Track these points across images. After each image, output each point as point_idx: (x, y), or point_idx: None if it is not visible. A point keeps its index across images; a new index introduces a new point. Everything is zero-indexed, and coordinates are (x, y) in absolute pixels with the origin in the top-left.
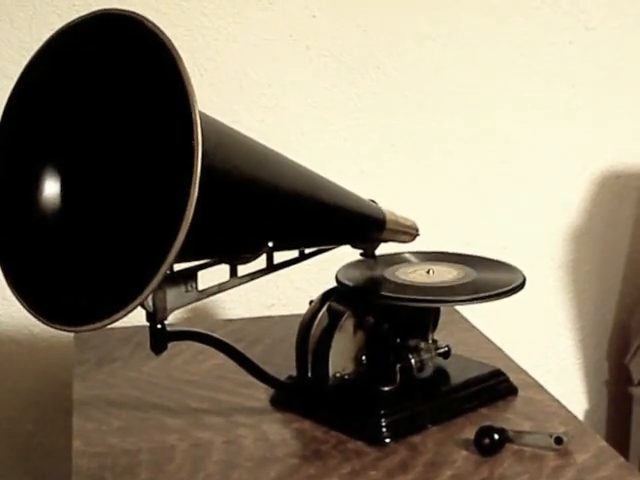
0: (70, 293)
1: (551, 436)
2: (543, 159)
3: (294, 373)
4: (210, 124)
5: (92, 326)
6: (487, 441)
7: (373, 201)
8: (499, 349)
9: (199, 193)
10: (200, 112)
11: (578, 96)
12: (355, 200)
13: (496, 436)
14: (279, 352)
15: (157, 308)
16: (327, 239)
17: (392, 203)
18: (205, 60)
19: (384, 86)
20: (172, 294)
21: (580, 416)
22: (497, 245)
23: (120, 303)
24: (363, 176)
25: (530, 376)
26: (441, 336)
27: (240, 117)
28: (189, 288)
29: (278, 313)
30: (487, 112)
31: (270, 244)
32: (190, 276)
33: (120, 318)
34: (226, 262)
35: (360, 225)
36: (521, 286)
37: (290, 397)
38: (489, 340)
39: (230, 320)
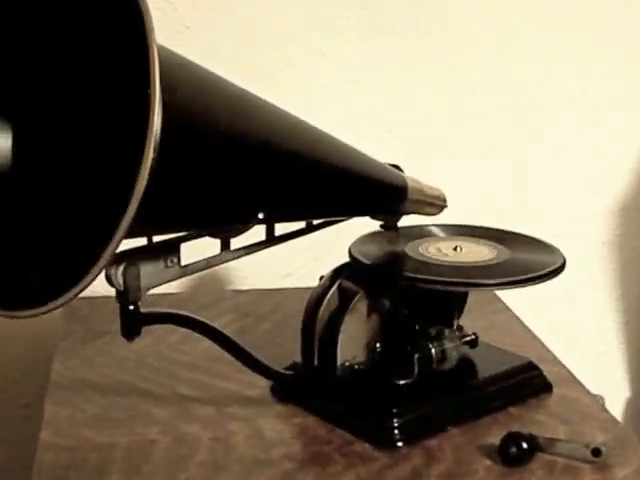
0: (19, 271)
1: (588, 446)
2: (586, 125)
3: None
4: (178, 65)
5: (35, 311)
6: (514, 450)
7: (395, 167)
8: (534, 335)
9: (161, 150)
10: (166, 51)
11: (628, 60)
12: (371, 164)
13: (524, 445)
14: (288, 331)
15: (129, 286)
16: (334, 210)
17: (418, 169)
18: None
19: (416, 36)
20: (148, 270)
21: (621, 405)
22: (534, 219)
23: (70, 282)
24: (388, 137)
25: (567, 369)
26: (469, 318)
27: (242, 68)
28: (169, 263)
29: (294, 284)
30: (527, 75)
31: (260, 215)
32: (171, 249)
33: (67, 301)
34: (210, 235)
35: (376, 194)
36: (560, 269)
37: (293, 387)
38: (523, 324)
39: (239, 291)
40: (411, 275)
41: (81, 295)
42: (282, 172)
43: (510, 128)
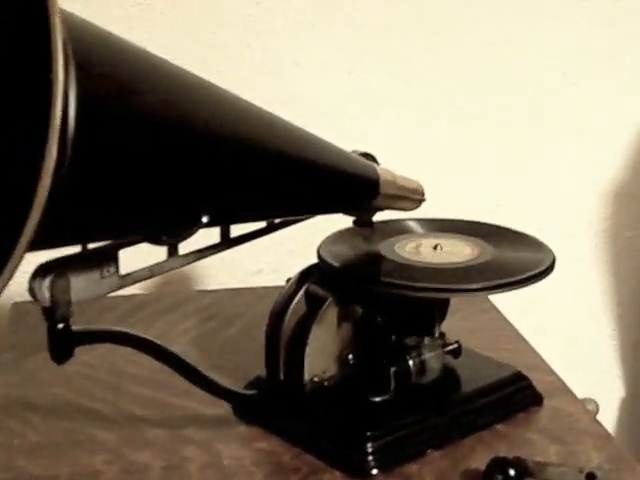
0: None
1: (581, 471)
2: (580, 105)
3: None
4: (93, 37)
5: None
6: (500, 478)
7: (368, 155)
8: (521, 337)
9: (75, 143)
10: (74, 18)
11: (621, 42)
12: (336, 154)
13: (512, 471)
14: (254, 337)
15: (57, 301)
16: (294, 209)
17: (393, 158)
18: None
19: (400, 13)
20: (80, 282)
21: (615, 404)
22: (523, 207)
23: None
24: (366, 120)
25: (557, 376)
26: (452, 320)
27: (221, 41)
28: (105, 273)
29: (266, 281)
30: (516, 63)
31: (205, 219)
32: (108, 257)
33: None
34: (148, 241)
35: (343, 189)
36: (550, 269)
37: (257, 406)
38: (510, 324)
39: (205, 291)
40: (386, 280)
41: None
42: (230, 165)
43: (496, 113)
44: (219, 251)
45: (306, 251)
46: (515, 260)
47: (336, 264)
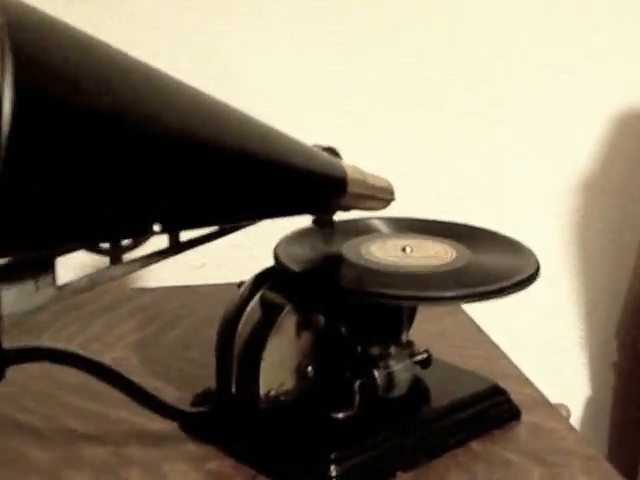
0: None
1: None
2: (547, 97)
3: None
4: (38, 23)
5: None
6: None
7: (331, 150)
8: (493, 343)
9: (9, 141)
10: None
11: (586, 32)
12: (297, 148)
13: None
14: (201, 341)
15: None
16: (252, 212)
17: (359, 153)
18: None
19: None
20: (11, 294)
21: (582, 403)
22: (486, 198)
23: None
24: (321, 109)
25: (536, 389)
26: (416, 323)
27: (159, 21)
28: (41, 285)
29: (210, 276)
30: (483, 59)
31: (157, 227)
32: (43, 267)
33: None
34: (89, 250)
35: (305, 188)
36: (533, 276)
37: (207, 421)
38: (477, 327)
39: (144, 289)
40: (351, 286)
41: None
42: (184, 166)
43: (458, 104)
44: (168, 257)
45: (252, 245)
46: (494, 266)
47: (295, 268)
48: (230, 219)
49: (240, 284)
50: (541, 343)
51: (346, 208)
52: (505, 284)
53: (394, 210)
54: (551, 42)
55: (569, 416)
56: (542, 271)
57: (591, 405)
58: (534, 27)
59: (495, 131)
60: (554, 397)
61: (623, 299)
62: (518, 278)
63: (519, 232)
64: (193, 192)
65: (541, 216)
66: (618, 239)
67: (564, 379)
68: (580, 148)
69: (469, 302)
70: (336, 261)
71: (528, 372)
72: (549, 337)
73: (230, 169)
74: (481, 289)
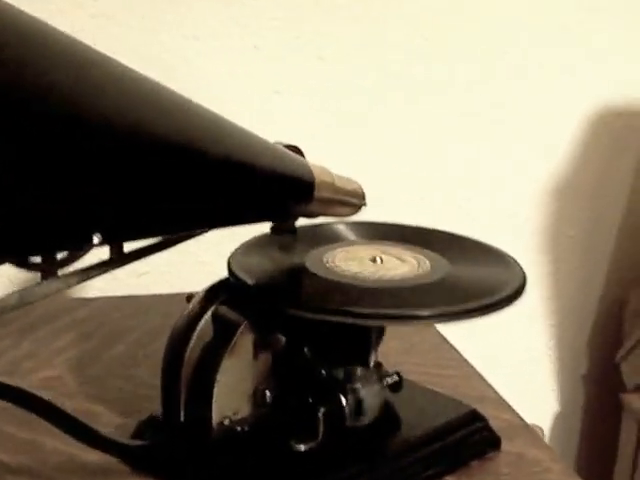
0: None
1: None
2: (517, 96)
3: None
4: None
5: None
6: None
7: (294, 149)
8: (465, 361)
9: None
10: None
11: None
12: (257, 146)
13: None
14: (147, 358)
15: None
16: (203, 218)
17: (324, 152)
18: None
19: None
20: None
21: (550, 418)
22: (454, 200)
23: None
24: (280, 106)
25: (516, 413)
26: (384, 341)
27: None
28: None
29: (152, 287)
30: (461, 57)
31: (97, 239)
32: None
33: None
34: (17, 265)
35: (266, 191)
36: (518, 292)
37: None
38: (449, 344)
39: (83, 299)
40: (311, 303)
41: None
42: (119, 164)
43: (436, 106)
44: (110, 269)
45: (200, 251)
46: (475, 279)
47: (250, 281)
48: (179, 228)
49: (189, 297)
50: (509, 354)
51: (312, 214)
52: (487, 301)
53: (362, 214)
54: (524, 43)
55: (543, 437)
56: None
57: (560, 418)
58: (512, 28)
59: (463, 131)
60: (523, 411)
61: (595, 308)
62: (503, 294)
63: (485, 236)
64: (136, 197)
65: (509, 219)
66: (591, 244)
67: (533, 391)
68: (551, 148)
69: (446, 322)
70: (297, 273)
71: (495, 385)
72: (517, 347)
73: (175, 168)
74: (460, 307)
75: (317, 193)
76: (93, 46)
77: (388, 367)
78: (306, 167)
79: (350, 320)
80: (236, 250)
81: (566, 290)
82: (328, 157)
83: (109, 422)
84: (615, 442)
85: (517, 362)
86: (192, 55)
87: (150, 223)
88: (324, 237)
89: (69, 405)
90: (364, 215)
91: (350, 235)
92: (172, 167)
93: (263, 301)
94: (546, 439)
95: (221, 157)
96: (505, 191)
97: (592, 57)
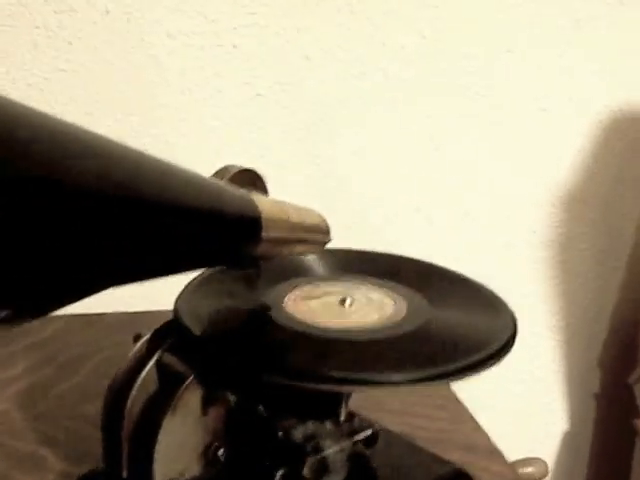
0: None
1: None
2: (525, 96)
3: None
4: None
5: None
6: None
7: (250, 173)
8: (456, 400)
9: None
10: None
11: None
12: (178, 179)
13: None
14: (104, 391)
15: None
16: (122, 277)
17: (285, 178)
18: None
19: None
20: None
21: (559, 437)
22: (457, 213)
23: None
24: (255, 111)
25: (506, 463)
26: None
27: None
28: None
29: (117, 303)
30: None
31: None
32: None
33: None
34: None
35: (196, 237)
36: (507, 346)
37: None
38: None
39: (44, 319)
40: (266, 364)
41: None
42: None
43: (435, 115)
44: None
45: None
46: (458, 327)
47: (199, 331)
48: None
49: (137, 337)
50: (516, 371)
51: (265, 257)
52: (465, 363)
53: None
54: (535, 43)
55: (547, 473)
56: (515, 292)
57: (570, 438)
58: (521, 27)
59: (466, 136)
60: (532, 430)
61: (607, 325)
62: (488, 350)
63: (490, 249)
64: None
65: (516, 231)
66: (602, 257)
67: (542, 410)
68: (561, 155)
69: (423, 385)
70: (254, 320)
71: (501, 405)
72: (524, 367)
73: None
74: (436, 370)
75: (266, 233)
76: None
77: (367, 409)
78: (249, 204)
79: (309, 386)
80: (186, 287)
81: (576, 306)
82: (325, 161)
83: (53, 468)
84: (627, 464)
85: (525, 379)
86: (163, 55)
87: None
88: (288, 270)
89: (14, 446)
90: (364, 217)
91: (319, 266)
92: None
93: (210, 356)
94: (554, 460)
95: (127, 191)
96: (511, 201)
97: (605, 60)
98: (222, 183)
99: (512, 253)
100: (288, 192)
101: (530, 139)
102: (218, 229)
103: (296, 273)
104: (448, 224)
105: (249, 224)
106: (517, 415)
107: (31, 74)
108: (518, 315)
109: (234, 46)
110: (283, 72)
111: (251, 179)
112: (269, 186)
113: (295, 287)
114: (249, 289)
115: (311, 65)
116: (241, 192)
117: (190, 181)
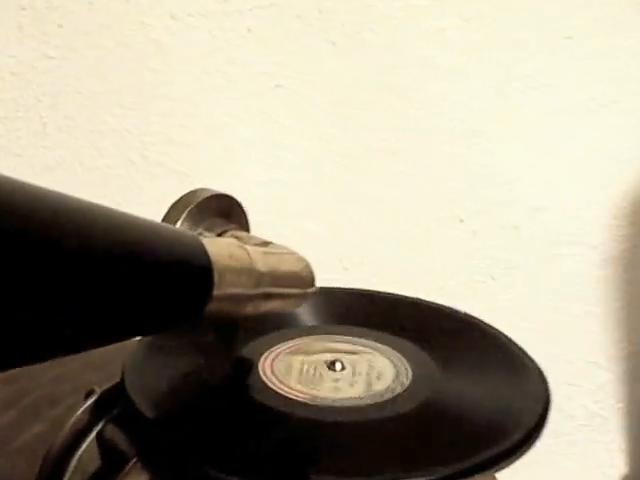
0: None
1: None
2: (585, 91)
3: None
4: None
5: None
6: None
7: (227, 200)
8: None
9: None
10: None
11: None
12: (103, 222)
13: None
14: None
15: None
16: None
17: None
18: None
19: None
20: None
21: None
22: (499, 223)
23: None
24: (273, 105)
25: None
26: None
27: None
28: None
29: None
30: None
31: None
32: None
33: None
34: None
35: (124, 297)
36: (537, 428)
37: None
38: None
39: None
40: (232, 462)
41: None
42: None
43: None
44: None
45: None
46: (470, 401)
47: (149, 410)
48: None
49: (89, 392)
50: (572, 405)
51: (219, 318)
52: (489, 454)
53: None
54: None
55: None
56: (574, 314)
57: None
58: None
59: (514, 141)
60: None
61: None
62: (513, 439)
63: (543, 268)
64: None
65: (573, 247)
66: None
67: (599, 450)
68: (625, 160)
69: None
70: (223, 397)
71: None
72: (578, 403)
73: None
74: (447, 471)
75: (217, 290)
76: None
77: None
78: (196, 250)
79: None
80: (136, 349)
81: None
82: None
83: None
84: None
85: (582, 414)
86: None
87: None
88: (268, 320)
89: None
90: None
91: (305, 315)
92: None
93: (156, 440)
94: None
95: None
96: (567, 212)
97: None
98: (162, 224)
99: (567, 271)
100: (309, 200)
101: (590, 141)
102: (146, 284)
103: (279, 324)
104: (493, 237)
105: (194, 276)
106: (570, 457)
107: (16, 62)
108: (573, 342)
109: (248, 29)
110: (305, 60)
111: (226, 207)
112: (286, 191)
113: (275, 344)
114: (216, 348)
115: (337, 51)
116: (187, 235)
117: (110, 221)
